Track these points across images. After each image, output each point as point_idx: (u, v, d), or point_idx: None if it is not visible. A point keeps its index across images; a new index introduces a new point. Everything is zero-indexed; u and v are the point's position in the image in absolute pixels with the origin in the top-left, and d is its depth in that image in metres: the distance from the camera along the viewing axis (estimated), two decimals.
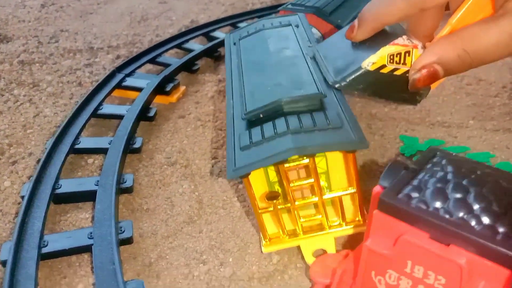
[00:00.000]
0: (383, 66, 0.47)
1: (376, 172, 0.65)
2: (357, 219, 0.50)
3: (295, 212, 0.48)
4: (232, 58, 0.61)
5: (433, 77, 0.41)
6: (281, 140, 0.44)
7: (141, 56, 0.89)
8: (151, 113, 0.73)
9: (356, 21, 0.48)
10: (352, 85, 0.48)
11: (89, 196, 0.58)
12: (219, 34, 1.00)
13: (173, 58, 0.91)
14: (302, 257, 0.50)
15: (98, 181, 0.58)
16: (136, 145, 0.66)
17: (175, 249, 0.53)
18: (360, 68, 0.47)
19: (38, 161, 0.65)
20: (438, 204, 0.33)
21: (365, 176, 0.64)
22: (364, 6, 0.47)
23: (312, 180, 0.46)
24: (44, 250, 0.50)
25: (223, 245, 0.53)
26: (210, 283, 0.49)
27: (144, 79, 0.81)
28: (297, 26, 0.63)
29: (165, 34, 1.05)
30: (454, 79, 0.87)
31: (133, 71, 0.84)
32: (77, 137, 0.66)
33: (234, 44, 0.64)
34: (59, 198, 0.57)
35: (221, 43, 0.96)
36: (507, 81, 0.86)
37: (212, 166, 0.65)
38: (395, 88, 0.48)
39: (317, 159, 0.48)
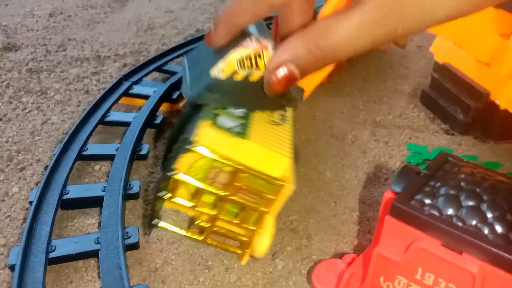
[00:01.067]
0: (235, 73, 0.42)
1: (380, 179, 0.65)
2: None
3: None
4: None
5: (289, 78, 0.37)
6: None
7: (147, 64, 0.90)
8: (157, 121, 0.74)
9: (211, 24, 0.44)
10: (207, 97, 0.43)
11: (96, 202, 0.58)
12: None
13: (179, 66, 0.92)
14: (306, 263, 0.50)
15: (105, 187, 0.59)
16: (143, 152, 0.67)
17: (180, 254, 0.53)
18: (210, 78, 0.43)
19: (46, 167, 0.65)
20: (451, 211, 0.33)
21: (369, 183, 0.64)
22: None
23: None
24: (52, 255, 0.50)
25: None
26: None
27: (151, 86, 0.82)
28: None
29: (171, 43, 1.06)
30: None
31: (140, 79, 0.85)
32: (84, 144, 0.67)
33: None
34: (66, 204, 0.58)
35: None
36: None
37: None
38: (257, 96, 0.43)
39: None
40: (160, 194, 0.45)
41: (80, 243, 0.52)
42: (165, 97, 0.79)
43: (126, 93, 0.80)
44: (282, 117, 0.49)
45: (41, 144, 0.72)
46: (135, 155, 0.66)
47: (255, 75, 0.43)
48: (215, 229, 0.47)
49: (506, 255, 0.30)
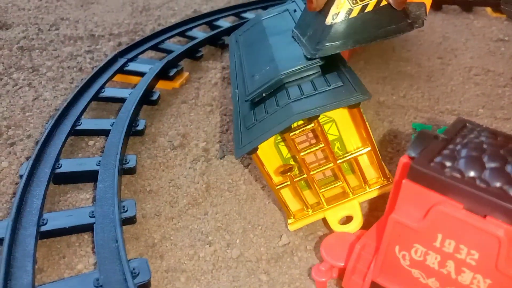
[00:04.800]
0: (350, 11, 0.43)
1: (386, 158, 0.63)
2: (380, 179, 0.48)
3: (313, 182, 0.46)
4: (236, 53, 0.61)
5: None
6: (283, 110, 0.43)
7: (143, 42, 0.87)
8: (154, 97, 0.71)
9: None
10: (329, 47, 0.44)
11: (90, 177, 0.55)
12: (223, 23, 0.99)
13: (176, 45, 0.89)
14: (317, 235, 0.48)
15: (99, 161, 0.56)
16: (139, 128, 0.64)
17: (179, 230, 0.51)
18: (327, 26, 0.44)
19: (37, 143, 0.62)
20: (473, 173, 0.31)
21: None
22: None
23: (322, 145, 0.44)
24: (43, 228, 0.47)
25: (229, 227, 0.51)
26: (216, 264, 0.46)
27: (147, 64, 0.79)
28: (294, 11, 0.62)
29: (167, 24, 1.03)
30: (462, 70, 0.85)
31: (136, 57, 0.82)
32: (78, 119, 0.64)
33: (236, 41, 0.65)
34: (59, 178, 0.55)
35: (225, 32, 0.94)
36: None
37: (217, 150, 0.63)
38: (377, 25, 0.44)
39: (326, 126, 0.47)
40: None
41: (74, 217, 0.49)
42: (162, 74, 0.76)
43: (121, 70, 0.78)
44: None
45: (32, 120, 0.69)
46: (131, 131, 0.63)
47: (370, 4, 0.43)
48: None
49: None
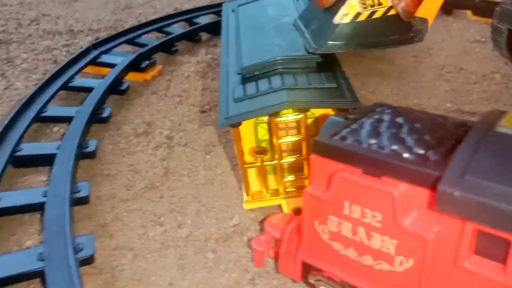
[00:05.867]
0: (358, 14, 0.45)
1: None
2: None
3: (280, 169, 0.47)
4: (230, 23, 0.62)
5: None
6: (276, 94, 0.44)
7: (119, 36, 0.88)
8: (123, 87, 0.72)
9: None
10: (332, 45, 0.46)
11: (49, 160, 0.56)
12: (202, 20, 1.00)
13: (152, 39, 0.90)
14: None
15: (60, 145, 0.57)
16: (104, 115, 0.65)
17: (133, 212, 0.51)
18: (334, 25, 0.45)
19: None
20: (372, 141, 0.32)
21: None
22: None
23: (301, 137, 0.45)
24: None
25: (183, 209, 0.51)
26: (165, 243, 0.47)
27: (120, 56, 0.80)
28: None
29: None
30: (435, 68, 0.86)
31: (110, 49, 0.83)
32: (44, 106, 0.65)
33: (233, 11, 0.65)
34: (18, 161, 0.56)
35: (202, 28, 0.95)
36: (488, 71, 0.85)
37: (181, 138, 0.63)
38: (381, 33, 0.46)
39: (309, 121, 0.48)
40: None
41: (27, 196, 0.49)
42: (134, 66, 0.77)
43: (93, 62, 0.78)
44: None
45: (1, 107, 0.70)
46: (95, 118, 0.64)
47: (379, 12, 0.45)
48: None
49: (422, 169, 0.29)
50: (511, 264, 0.28)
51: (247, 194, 0.50)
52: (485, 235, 0.28)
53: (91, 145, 0.58)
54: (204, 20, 1.00)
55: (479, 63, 0.88)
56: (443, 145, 0.31)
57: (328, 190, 0.34)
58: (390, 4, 0.45)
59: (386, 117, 0.35)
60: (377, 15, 0.45)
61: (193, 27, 0.94)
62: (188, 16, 1.00)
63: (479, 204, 0.26)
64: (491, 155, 0.28)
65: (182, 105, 0.71)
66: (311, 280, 0.39)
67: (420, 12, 0.45)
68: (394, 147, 0.31)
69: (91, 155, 0.58)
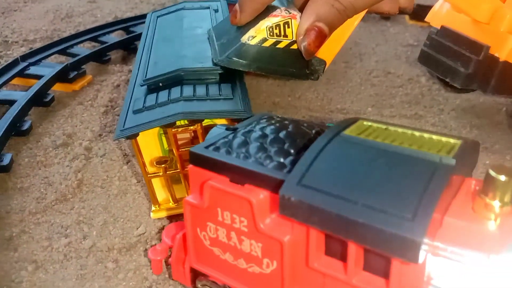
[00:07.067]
0: (264, 40, 0.47)
1: None
2: None
3: (185, 178, 0.48)
4: (148, 34, 0.64)
5: (321, 36, 0.42)
6: (173, 105, 0.45)
7: (53, 46, 0.88)
8: (48, 98, 0.72)
9: (237, 6, 0.48)
10: (235, 61, 0.48)
11: None
12: (139, 29, 1.00)
13: (84, 49, 0.90)
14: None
15: None
16: (24, 128, 0.65)
17: (40, 224, 0.51)
18: (241, 43, 0.47)
19: None
20: (240, 151, 0.34)
21: None
22: None
23: None
24: None
25: (91, 220, 0.52)
26: (68, 255, 0.47)
27: (49, 67, 0.80)
28: (216, 10, 0.65)
29: None
30: (363, 73, 0.89)
31: (39, 60, 0.82)
32: None
33: (154, 22, 0.67)
34: None
35: (139, 37, 0.95)
36: (415, 74, 0.88)
37: (99, 149, 0.64)
38: (281, 62, 0.48)
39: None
40: None
41: None
42: (61, 77, 0.77)
43: (21, 73, 0.78)
44: None
45: None
46: (14, 131, 0.64)
47: (283, 43, 0.47)
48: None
49: (273, 175, 0.31)
50: (350, 263, 0.29)
51: (154, 204, 0.51)
52: (332, 236, 0.30)
53: (6, 159, 0.58)
54: (141, 28, 1.00)
55: (407, 67, 0.91)
56: (300, 153, 0.33)
57: (202, 198, 0.35)
58: (294, 38, 0.47)
59: (257, 128, 0.37)
60: (281, 45, 0.47)
61: (129, 36, 0.95)
62: (126, 24, 1.01)
63: (311, 208, 0.28)
64: (329, 161, 0.30)
65: (107, 115, 0.72)
66: (199, 285, 0.41)
67: (320, 54, 0.48)
68: (258, 155, 0.33)
69: (5, 169, 0.58)
